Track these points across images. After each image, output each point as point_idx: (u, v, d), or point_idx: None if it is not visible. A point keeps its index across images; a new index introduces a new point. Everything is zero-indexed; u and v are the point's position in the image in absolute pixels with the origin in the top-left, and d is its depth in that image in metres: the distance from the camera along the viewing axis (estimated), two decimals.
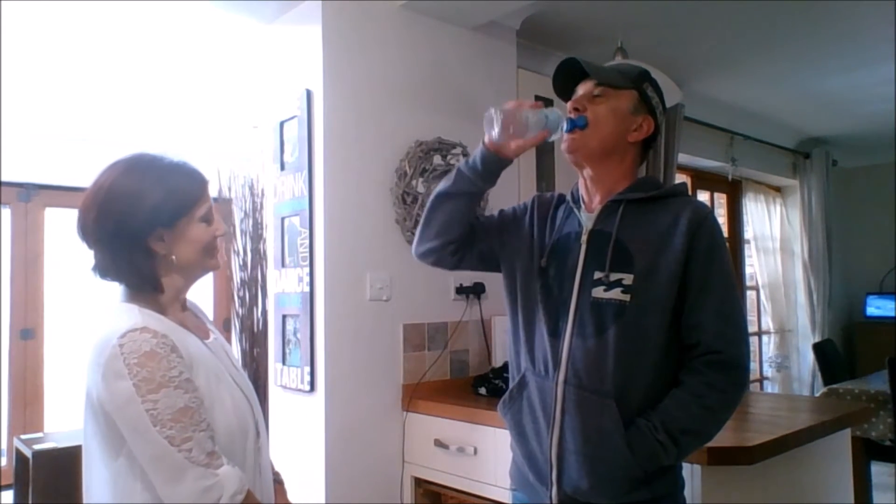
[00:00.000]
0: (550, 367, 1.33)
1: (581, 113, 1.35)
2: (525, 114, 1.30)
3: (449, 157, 2.55)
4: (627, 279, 1.28)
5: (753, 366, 5.49)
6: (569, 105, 1.39)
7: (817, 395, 3.96)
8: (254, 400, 1.27)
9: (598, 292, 1.30)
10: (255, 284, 3.37)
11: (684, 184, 1.44)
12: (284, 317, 2.46)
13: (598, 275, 1.31)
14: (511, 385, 1.43)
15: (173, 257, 1.18)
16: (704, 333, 1.28)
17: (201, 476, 1.05)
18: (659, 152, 3.82)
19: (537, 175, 3.02)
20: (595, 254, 1.33)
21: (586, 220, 1.38)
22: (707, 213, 1.34)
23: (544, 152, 3.02)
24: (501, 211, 1.54)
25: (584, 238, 1.36)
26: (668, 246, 1.29)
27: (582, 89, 1.39)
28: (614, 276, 1.29)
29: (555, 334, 1.33)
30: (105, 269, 1.18)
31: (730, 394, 1.29)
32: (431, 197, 1.45)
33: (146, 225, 1.14)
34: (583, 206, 1.42)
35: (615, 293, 1.28)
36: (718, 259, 1.31)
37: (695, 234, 1.29)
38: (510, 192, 2.78)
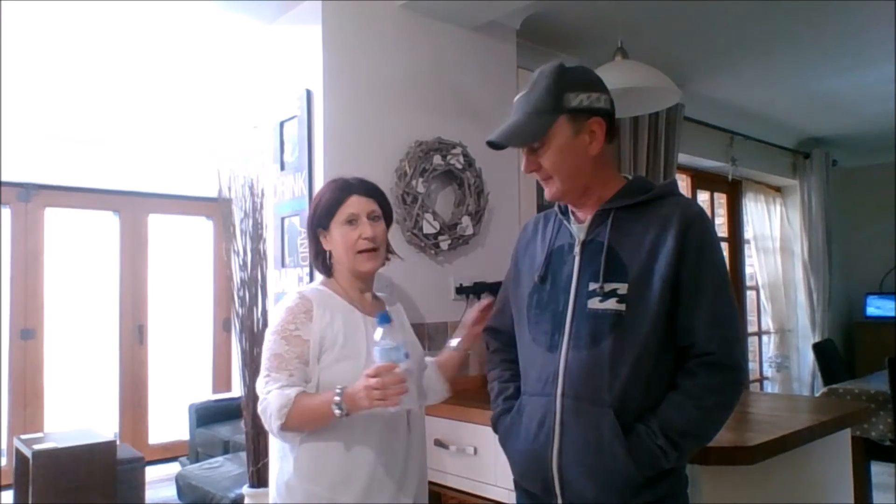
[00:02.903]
0: (549, 381, 1.33)
1: (536, 172, 1.37)
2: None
3: (449, 156, 2.55)
4: (622, 289, 1.28)
5: (753, 366, 5.49)
6: (523, 170, 1.40)
7: (817, 395, 3.96)
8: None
9: (594, 303, 1.29)
10: (255, 284, 3.37)
11: (674, 182, 1.41)
12: None
13: (592, 286, 1.30)
14: (507, 404, 1.45)
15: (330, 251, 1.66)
16: (698, 335, 1.28)
17: (261, 400, 1.53)
18: (659, 152, 3.81)
19: None
20: (588, 264, 1.33)
21: (577, 231, 1.38)
22: (696, 212, 1.32)
23: None
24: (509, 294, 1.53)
25: (577, 249, 1.36)
26: (660, 250, 1.28)
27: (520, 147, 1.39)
28: (609, 287, 1.29)
29: (551, 348, 1.33)
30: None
31: (726, 394, 1.28)
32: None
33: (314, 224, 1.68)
34: (572, 217, 1.41)
35: (611, 303, 1.28)
36: (709, 259, 1.30)
37: (685, 234, 1.28)
38: (511, 193, 2.78)
